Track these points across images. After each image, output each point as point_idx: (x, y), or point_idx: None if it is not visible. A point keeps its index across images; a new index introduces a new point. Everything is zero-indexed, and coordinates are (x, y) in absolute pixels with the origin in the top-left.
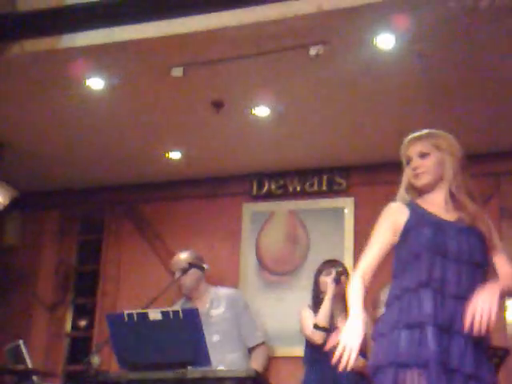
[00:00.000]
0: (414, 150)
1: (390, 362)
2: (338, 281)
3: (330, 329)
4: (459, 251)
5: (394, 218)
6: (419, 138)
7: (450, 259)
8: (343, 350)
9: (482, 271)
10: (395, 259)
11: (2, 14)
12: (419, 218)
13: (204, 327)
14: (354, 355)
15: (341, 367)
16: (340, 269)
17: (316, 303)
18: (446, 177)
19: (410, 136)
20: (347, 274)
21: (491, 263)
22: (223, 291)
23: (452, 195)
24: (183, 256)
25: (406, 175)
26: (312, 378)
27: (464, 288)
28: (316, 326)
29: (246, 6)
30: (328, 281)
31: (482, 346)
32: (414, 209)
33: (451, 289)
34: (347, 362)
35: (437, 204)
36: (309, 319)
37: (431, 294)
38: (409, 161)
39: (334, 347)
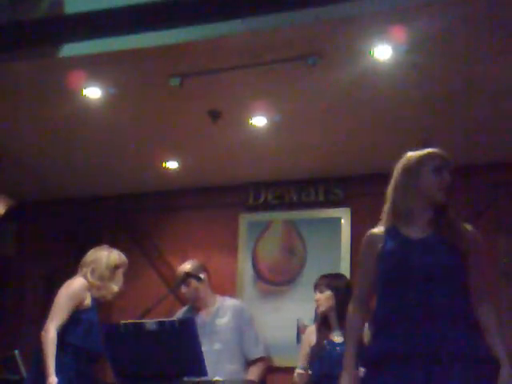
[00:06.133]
0: (448, 166)
1: None
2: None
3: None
4: (424, 270)
5: (372, 247)
6: (450, 160)
7: (414, 284)
8: None
9: (460, 286)
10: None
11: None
12: (389, 247)
13: (208, 336)
14: None
15: None
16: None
17: (321, 321)
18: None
19: (447, 155)
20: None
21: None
22: (229, 302)
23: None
24: (183, 267)
25: (425, 180)
26: None
27: (438, 307)
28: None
29: (243, 17)
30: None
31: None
32: (391, 236)
33: (418, 314)
34: None
35: (419, 221)
36: (306, 341)
37: (396, 327)
38: (439, 173)
39: None
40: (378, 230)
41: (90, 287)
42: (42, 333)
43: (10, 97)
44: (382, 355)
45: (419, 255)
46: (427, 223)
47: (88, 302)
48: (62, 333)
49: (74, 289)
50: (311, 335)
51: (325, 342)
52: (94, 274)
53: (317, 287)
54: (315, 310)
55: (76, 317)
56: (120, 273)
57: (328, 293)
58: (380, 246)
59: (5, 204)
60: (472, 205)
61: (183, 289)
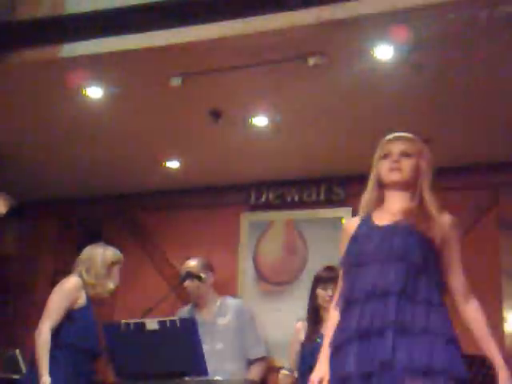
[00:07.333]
0: (397, 147)
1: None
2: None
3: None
4: (377, 252)
5: (347, 234)
6: (405, 139)
7: (366, 264)
8: None
9: (421, 269)
10: None
11: (0, 22)
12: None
13: (209, 335)
14: None
15: None
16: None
17: (312, 316)
18: (420, 183)
19: (395, 134)
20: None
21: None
22: (231, 301)
23: (418, 202)
24: (187, 264)
25: (378, 170)
26: None
27: (391, 284)
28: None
29: (245, 17)
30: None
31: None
32: (363, 223)
33: (371, 292)
34: None
35: (393, 208)
36: (295, 338)
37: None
38: (387, 156)
39: None
40: (354, 219)
41: (86, 285)
42: (36, 332)
43: (10, 97)
44: (342, 336)
45: (379, 239)
46: (401, 211)
47: (82, 300)
48: (57, 332)
49: (67, 288)
50: (300, 332)
51: (316, 336)
52: (90, 272)
53: (329, 280)
54: (316, 306)
55: (71, 316)
56: (116, 270)
57: None
58: (352, 231)
59: (5, 203)
60: (473, 204)
61: (186, 283)
